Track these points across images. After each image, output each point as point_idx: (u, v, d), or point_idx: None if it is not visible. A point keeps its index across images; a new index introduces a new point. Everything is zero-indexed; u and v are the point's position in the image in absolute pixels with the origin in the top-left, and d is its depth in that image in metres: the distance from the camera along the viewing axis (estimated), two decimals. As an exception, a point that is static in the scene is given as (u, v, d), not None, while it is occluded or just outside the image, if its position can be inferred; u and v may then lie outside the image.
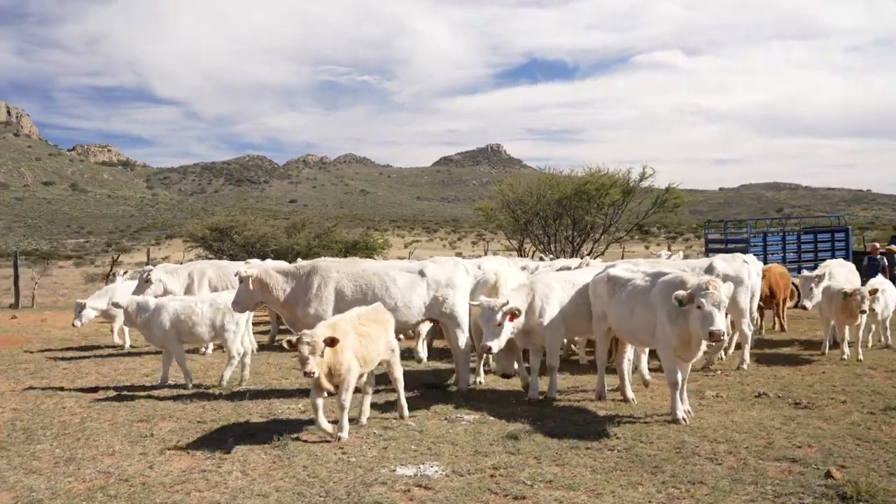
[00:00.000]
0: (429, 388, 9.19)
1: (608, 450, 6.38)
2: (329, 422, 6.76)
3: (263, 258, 17.65)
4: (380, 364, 7.41)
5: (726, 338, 9.87)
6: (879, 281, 11.82)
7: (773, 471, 5.80)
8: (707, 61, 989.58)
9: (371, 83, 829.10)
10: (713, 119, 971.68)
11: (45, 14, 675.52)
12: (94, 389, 9.27)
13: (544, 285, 8.66)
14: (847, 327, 11.01)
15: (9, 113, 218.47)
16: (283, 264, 10.50)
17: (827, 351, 11.49)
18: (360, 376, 6.99)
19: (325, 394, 6.70)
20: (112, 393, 9.08)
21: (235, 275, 9.24)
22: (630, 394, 8.39)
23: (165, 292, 11.64)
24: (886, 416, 7.58)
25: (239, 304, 8.98)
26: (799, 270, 17.60)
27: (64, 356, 12.10)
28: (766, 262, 15.91)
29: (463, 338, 9.03)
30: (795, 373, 10.10)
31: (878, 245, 17.14)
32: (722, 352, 10.99)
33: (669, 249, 22.79)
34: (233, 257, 22.71)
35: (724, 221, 22.07)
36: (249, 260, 15.10)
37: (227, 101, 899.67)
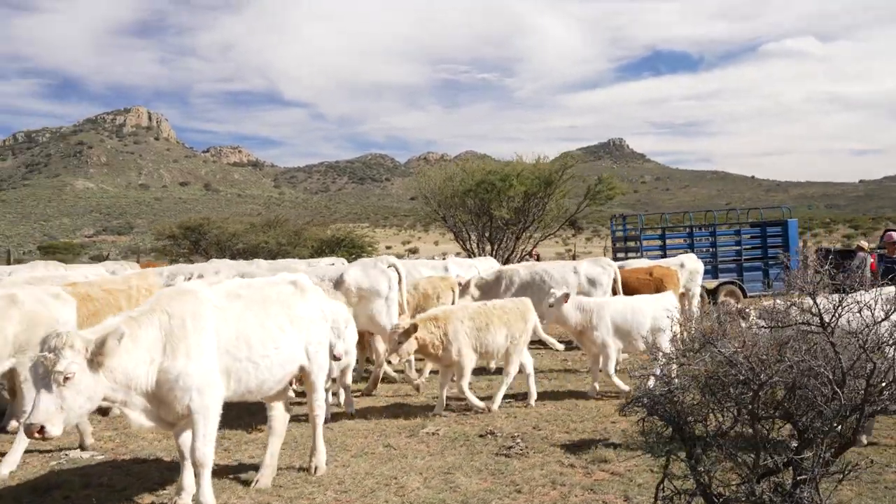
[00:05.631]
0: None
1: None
2: None
3: (233, 257, 17.17)
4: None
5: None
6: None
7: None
8: (844, 47, 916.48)
9: (491, 80, 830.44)
10: (852, 107, 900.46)
11: (182, 25, 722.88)
12: None
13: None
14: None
15: (150, 118, 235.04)
16: None
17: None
18: None
19: None
20: None
21: None
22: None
23: None
24: (584, 470, 5.95)
25: None
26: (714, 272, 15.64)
27: None
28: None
29: None
30: (569, 407, 8.21)
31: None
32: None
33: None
34: (207, 254, 22.48)
35: (623, 217, 19.44)
36: None
37: (351, 102, 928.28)
